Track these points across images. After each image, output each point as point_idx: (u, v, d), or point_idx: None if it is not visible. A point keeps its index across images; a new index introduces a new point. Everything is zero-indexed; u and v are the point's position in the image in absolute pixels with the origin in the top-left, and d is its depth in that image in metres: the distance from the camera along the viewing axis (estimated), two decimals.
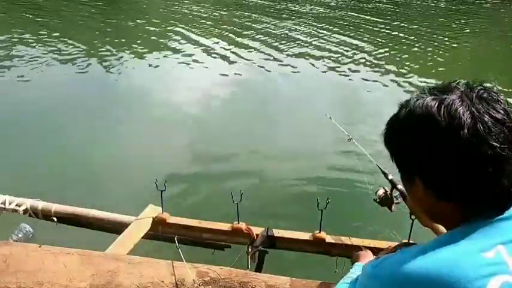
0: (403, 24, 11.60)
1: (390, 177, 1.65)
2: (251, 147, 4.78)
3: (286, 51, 8.77)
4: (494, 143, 0.71)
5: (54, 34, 9.35)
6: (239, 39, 9.54)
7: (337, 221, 2.52)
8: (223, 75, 7.33)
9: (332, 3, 14.40)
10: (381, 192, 1.62)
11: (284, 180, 4.17)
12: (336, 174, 4.24)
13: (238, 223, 1.94)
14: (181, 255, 1.68)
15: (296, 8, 13.63)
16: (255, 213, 3.35)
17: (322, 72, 7.66)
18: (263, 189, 3.97)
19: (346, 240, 1.87)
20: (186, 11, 12.62)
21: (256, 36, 9.79)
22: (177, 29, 10.27)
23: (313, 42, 9.40)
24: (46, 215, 2.15)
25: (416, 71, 7.76)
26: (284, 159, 4.55)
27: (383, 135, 0.86)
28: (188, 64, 7.79)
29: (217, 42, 9.24)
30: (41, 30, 9.51)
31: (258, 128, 5.34)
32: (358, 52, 8.72)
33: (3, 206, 2.17)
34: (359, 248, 1.67)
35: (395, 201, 1.60)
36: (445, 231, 0.84)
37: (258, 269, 1.86)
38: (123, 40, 9.11)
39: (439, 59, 8.56)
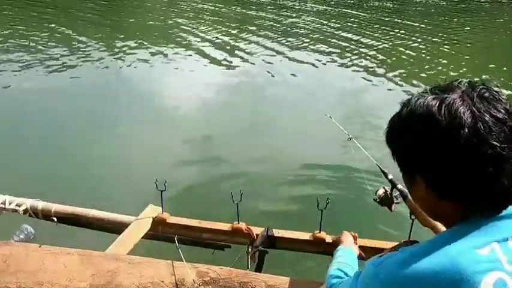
0: (404, 23, 11.60)
1: (390, 177, 1.65)
2: (251, 147, 4.78)
3: (286, 51, 8.77)
4: (495, 143, 0.71)
5: (55, 33, 9.36)
6: (239, 39, 9.54)
7: (337, 221, 2.51)
8: (223, 75, 7.34)
9: (332, 2, 14.41)
10: (380, 192, 1.62)
11: (284, 180, 4.17)
12: (336, 174, 4.24)
13: (238, 223, 1.93)
14: (181, 255, 1.68)
15: (297, 7, 13.64)
16: (255, 213, 3.35)
17: (322, 71, 7.66)
18: (263, 189, 3.97)
19: None
20: (187, 8, 12.63)
21: (256, 35, 9.79)
22: (177, 29, 10.27)
23: (314, 41, 9.40)
24: (46, 215, 2.15)
25: (417, 70, 7.76)
26: (284, 159, 4.55)
27: (385, 134, 0.87)
28: (188, 64, 7.79)
29: (217, 42, 9.24)
30: (42, 30, 9.51)
31: (259, 128, 5.34)
32: (359, 51, 8.72)
33: (3, 206, 2.17)
34: (359, 248, 1.66)
35: (395, 201, 1.60)
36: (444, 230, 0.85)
37: (258, 269, 1.86)
38: (123, 40, 9.10)
39: (440, 58, 8.56)
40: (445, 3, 15.12)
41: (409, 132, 0.80)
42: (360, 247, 1.67)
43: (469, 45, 9.61)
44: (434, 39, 9.90)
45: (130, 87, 6.73)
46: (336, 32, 10.27)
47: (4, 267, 1.57)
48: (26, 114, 5.38)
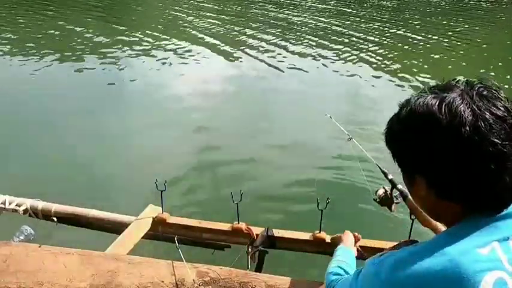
0: (403, 23, 11.61)
1: (390, 177, 1.65)
2: (251, 147, 4.78)
3: (286, 51, 8.76)
4: (496, 140, 0.71)
5: (55, 32, 9.36)
6: (239, 38, 9.54)
7: (337, 221, 2.51)
8: (223, 74, 7.33)
9: (332, 2, 14.41)
10: (380, 192, 1.62)
11: (284, 180, 4.17)
12: (336, 174, 4.24)
13: (238, 223, 1.93)
14: (181, 255, 1.68)
15: (298, 5, 13.64)
16: (255, 213, 3.35)
17: (322, 72, 7.65)
18: (263, 189, 3.97)
19: None
20: (188, 6, 12.62)
21: (256, 35, 9.79)
22: (176, 29, 10.27)
23: (313, 41, 9.40)
24: (46, 215, 2.15)
25: (417, 70, 7.75)
26: (284, 158, 4.55)
27: (384, 135, 0.87)
28: (188, 64, 7.79)
29: (217, 41, 9.23)
30: (42, 29, 9.51)
31: (258, 128, 5.34)
32: (359, 51, 8.71)
33: (3, 206, 2.17)
34: (359, 248, 1.66)
35: (395, 201, 1.59)
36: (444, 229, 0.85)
37: (258, 269, 1.86)
38: (123, 41, 9.10)
39: (440, 57, 8.57)
40: (444, 3, 15.13)
41: (409, 132, 0.80)
42: (360, 247, 1.67)
43: (466, 44, 9.60)
44: (434, 38, 9.90)
45: (130, 87, 6.73)
46: (336, 32, 10.27)
47: (4, 267, 1.57)
48: (26, 114, 5.38)
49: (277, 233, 1.92)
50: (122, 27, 10.14)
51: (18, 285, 1.50)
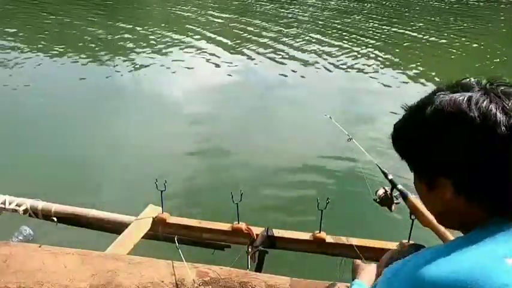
0: (405, 22, 11.61)
1: (390, 177, 1.64)
2: (251, 147, 4.78)
3: (286, 50, 8.76)
4: None
5: (55, 31, 9.36)
6: (239, 38, 9.53)
7: (337, 221, 2.51)
8: (222, 74, 7.33)
9: (332, 2, 14.41)
10: (380, 192, 1.62)
11: (284, 180, 4.17)
12: (336, 174, 4.24)
13: (238, 223, 1.94)
14: (181, 255, 1.68)
15: (299, 4, 13.65)
16: (255, 213, 3.35)
17: (322, 72, 7.65)
18: (263, 189, 3.97)
19: (346, 240, 1.87)
20: (189, 4, 12.63)
21: (256, 34, 9.79)
22: (176, 29, 10.27)
23: (315, 40, 9.40)
24: (46, 215, 2.15)
25: (417, 70, 7.75)
26: (284, 159, 4.55)
27: (394, 137, 0.83)
28: (188, 64, 7.78)
29: (217, 41, 9.22)
30: (42, 30, 9.51)
31: (259, 128, 5.34)
32: (359, 51, 8.72)
33: (3, 206, 2.17)
34: (359, 248, 1.66)
35: (395, 201, 1.59)
36: (446, 231, 0.82)
37: (258, 269, 1.86)
38: (123, 40, 9.10)
39: (439, 57, 8.57)
40: (444, 4, 15.14)
41: (435, 132, 0.75)
42: (360, 247, 1.67)
43: (466, 44, 9.62)
44: (434, 38, 9.90)
45: (130, 87, 6.73)
46: (336, 32, 10.27)
47: (4, 267, 1.57)
48: (26, 114, 5.38)
49: (277, 233, 1.92)
50: (122, 25, 10.13)
51: (18, 285, 1.50)
